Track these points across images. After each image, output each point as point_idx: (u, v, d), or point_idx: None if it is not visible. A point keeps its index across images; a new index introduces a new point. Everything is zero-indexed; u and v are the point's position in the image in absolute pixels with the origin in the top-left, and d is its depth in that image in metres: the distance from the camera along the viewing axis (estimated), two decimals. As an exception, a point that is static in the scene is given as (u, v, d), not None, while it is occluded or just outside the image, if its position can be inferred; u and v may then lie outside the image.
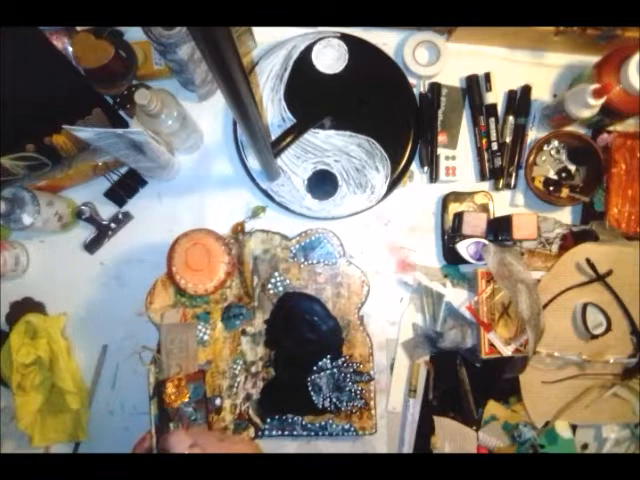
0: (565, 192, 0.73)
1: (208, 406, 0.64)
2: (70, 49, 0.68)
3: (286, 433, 0.68)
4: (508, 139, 0.74)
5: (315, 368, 0.68)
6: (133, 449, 0.62)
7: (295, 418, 0.68)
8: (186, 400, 0.61)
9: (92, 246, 0.72)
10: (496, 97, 0.74)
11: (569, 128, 0.73)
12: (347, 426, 0.68)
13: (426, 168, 0.74)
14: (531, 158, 0.72)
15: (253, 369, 0.68)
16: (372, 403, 0.69)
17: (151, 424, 0.60)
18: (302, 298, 0.69)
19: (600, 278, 0.70)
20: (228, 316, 0.68)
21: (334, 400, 0.68)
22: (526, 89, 0.75)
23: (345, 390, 0.68)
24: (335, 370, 0.68)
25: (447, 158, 0.74)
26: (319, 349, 0.69)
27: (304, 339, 0.68)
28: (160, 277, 0.67)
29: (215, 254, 0.65)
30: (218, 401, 0.61)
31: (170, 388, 0.61)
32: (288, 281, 0.69)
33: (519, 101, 0.75)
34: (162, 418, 0.61)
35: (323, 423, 0.68)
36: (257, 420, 0.68)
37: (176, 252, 0.64)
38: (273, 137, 0.69)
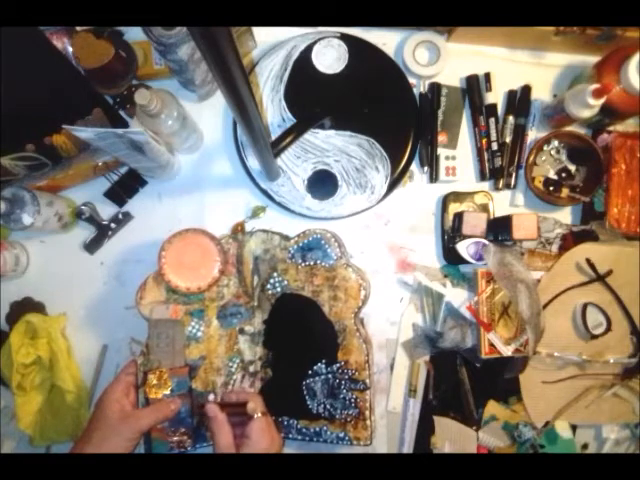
0: (565, 192, 0.73)
1: (194, 400, 0.64)
2: (70, 49, 0.68)
3: (282, 435, 0.67)
4: (508, 139, 0.74)
5: (310, 372, 0.67)
6: (120, 371, 0.63)
7: (290, 421, 0.67)
8: (167, 392, 0.62)
9: (92, 246, 0.72)
10: (496, 97, 0.74)
11: (569, 128, 0.73)
12: (342, 435, 0.67)
13: (426, 168, 0.74)
14: (531, 158, 0.72)
15: (251, 368, 0.68)
16: (367, 413, 0.67)
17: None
18: (298, 300, 0.68)
19: (600, 278, 0.70)
20: (224, 314, 0.68)
21: (328, 406, 0.67)
22: (526, 89, 0.75)
23: (339, 397, 0.67)
24: (330, 376, 0.67)
25: (447, 158, 0.74)
26: (313, 353, 0.68)
27: (298, 342, 0.68)
28: (152, 273, 0.67)
29: (209, 253, 0.65)
30: (211, 397, 0.62)
31: (152, 380, 0.62)
32: (286, 282, 0.69)
33: (519, 101, 0.75)
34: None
35: (318, 429, 0.67)
36: None
37: (167, 251, 0.64)
38: (273, 137, 0.69)
